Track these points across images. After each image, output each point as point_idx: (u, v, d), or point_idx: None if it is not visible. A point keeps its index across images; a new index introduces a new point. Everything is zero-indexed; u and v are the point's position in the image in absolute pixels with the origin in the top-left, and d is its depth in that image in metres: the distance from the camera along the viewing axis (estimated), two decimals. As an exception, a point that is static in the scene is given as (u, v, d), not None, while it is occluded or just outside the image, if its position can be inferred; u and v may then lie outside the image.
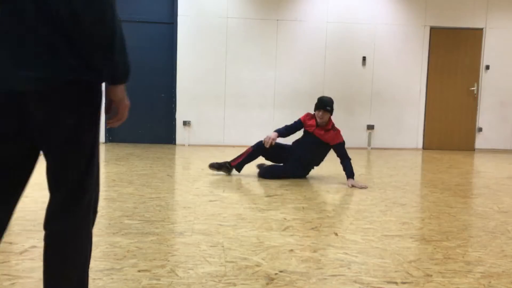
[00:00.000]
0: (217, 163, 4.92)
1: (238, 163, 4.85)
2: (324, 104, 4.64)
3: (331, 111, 4.68)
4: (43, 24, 1.28)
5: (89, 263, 1.50)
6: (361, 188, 4.36)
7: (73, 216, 1.42)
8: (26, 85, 1.30)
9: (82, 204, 1.43)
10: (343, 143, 4.67)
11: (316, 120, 4.76)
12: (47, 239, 1.42)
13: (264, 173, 4.78)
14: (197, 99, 7.78)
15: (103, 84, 1.44)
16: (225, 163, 4.88)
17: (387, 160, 6.54)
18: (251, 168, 5.32)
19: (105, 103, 1.51)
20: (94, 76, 1.38)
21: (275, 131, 4.80)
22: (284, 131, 4.82)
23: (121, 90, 1.45)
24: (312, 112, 4.83)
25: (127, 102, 1.49)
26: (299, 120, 4.87)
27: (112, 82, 1.43)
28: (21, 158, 1.40)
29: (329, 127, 4.72)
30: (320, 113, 4.66)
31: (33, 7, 1.27)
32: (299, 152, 4.79)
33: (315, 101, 4.78)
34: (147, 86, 7.68)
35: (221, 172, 4.92)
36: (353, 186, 4.41)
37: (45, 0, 1.28)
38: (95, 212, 1.52)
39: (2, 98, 1.32)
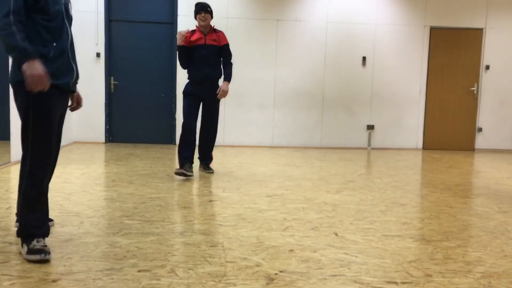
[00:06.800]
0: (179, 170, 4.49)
1: (179, 160, 4.53)
2: (205, 6, 4.75)
3: (211, 12, 4.78)
4: None
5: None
6: (221, 96, 4.71)
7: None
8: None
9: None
10: (228, 44, 4.81)
11: (200, 30, 4.73)
12: None
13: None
14: (197, 99, 7.77)
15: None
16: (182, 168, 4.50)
17: (387, 160, 6.54)
18: (252, 167, 5.32)
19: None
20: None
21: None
22: (182, 61, 4.71)
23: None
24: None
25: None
26: (181, 47, 4.66)
27: None
28: None
29: (213, 28, 4.81)
30: (202, 14, 4.68)
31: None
32: (201, 72, 4.66)
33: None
34: (147, 86, 7.68)
35: (189, 176, 4.50)
36: (223, 90, 4.68)
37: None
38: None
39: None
